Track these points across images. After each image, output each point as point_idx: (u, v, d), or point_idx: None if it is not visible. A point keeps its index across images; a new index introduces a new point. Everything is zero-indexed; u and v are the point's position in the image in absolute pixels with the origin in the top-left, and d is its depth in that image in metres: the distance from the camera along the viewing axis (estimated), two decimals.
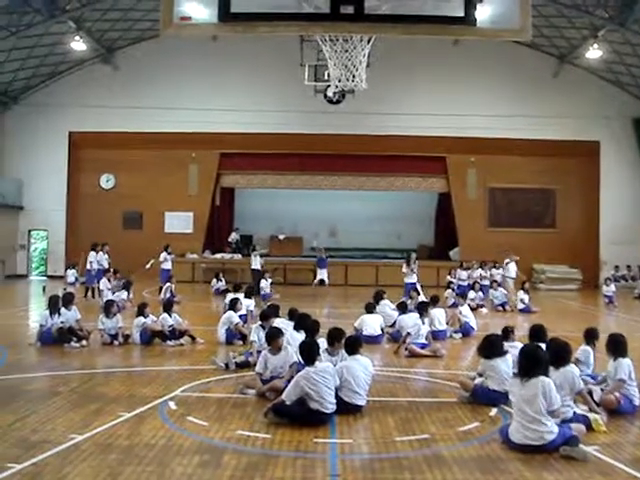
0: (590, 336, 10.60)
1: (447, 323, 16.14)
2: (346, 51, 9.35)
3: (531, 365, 7.68)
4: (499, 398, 9.23)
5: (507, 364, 9.52)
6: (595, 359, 10.57)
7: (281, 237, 35.74)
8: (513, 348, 9.95)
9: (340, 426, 8.48)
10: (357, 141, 33.05)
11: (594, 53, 30.58)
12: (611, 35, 29.16)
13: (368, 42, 9.14)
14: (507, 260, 24.67)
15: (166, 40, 32.97)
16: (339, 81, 10.63)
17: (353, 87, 10.55)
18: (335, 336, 10.05)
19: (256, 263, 26.65)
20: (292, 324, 12.09)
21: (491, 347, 9.77)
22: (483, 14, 5.96)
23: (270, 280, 25.15)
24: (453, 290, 22.88)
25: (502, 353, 9.71)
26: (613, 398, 9.07)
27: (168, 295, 21.65)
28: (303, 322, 11.65)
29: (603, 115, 33.85)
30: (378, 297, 17.18)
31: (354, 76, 9.67)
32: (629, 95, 34.78)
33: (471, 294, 22.67)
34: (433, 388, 11.02)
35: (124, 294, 20.42)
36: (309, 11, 6.11)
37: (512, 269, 24.47)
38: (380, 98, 31.63)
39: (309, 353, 8.83)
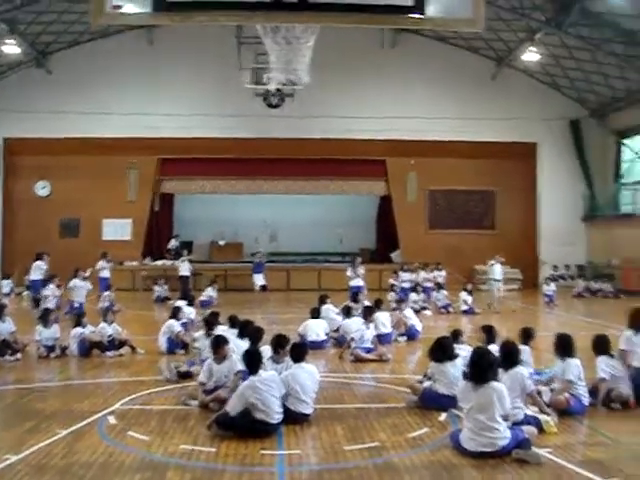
0: (526, 335, 10.58)
1: (392, 326, 16.01)
2: (289, 43, 9.10)
3: (483, 370, 7.55)
4: (448, 402, 9.08)
5: (456, 368, 9.39)
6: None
7: (221, 243, 35.33)
8: (461, 351, 9.86)
9: (287, 437, 8.24)
10: (298, 145, 32.83)
11: (531, 56, 30.88)
12: (548, 38, 29.50)
13: (311, 34, 8.91)
14: (492, 262, 24.50)
15: (102, 43, 32.40)
16: (283, 84, 10.39)
17: (294, 84, 10.30)
18: (280, 343, 9.80)
19: (184, 269, 26.34)
20: (235, 331, 11.80)
21: (442, 350, 9.65)
22: (434, 4, 5.77)
23: (215, 287, 24.75)
24: (396, 293, 22.84)
25: (453, 356, 9.59)
26: (563, 399, 9.03)
27: (107, 304, 21.09)
28: (246, 329, 11.37)
29: (541, 117, 34.27)
30: (321, 302, 16.98)
31: (296, 70, 9.41)
32: (566, 97, 35.32)
33: (414, 296, 22.62)
34: (380, 393, 10.85)
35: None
36: (250, 0, 5.84)
37: (497, 270, 24.27)
38: (320, 102, 31.51)
39: (253, 361, 8.56)
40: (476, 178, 34.39)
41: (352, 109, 32.86)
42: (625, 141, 34.02)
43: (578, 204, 35.15)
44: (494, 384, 7.45)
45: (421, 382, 9.98)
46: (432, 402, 9.37)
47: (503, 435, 7.29)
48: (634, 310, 10.36)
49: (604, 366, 9.54)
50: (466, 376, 7.90)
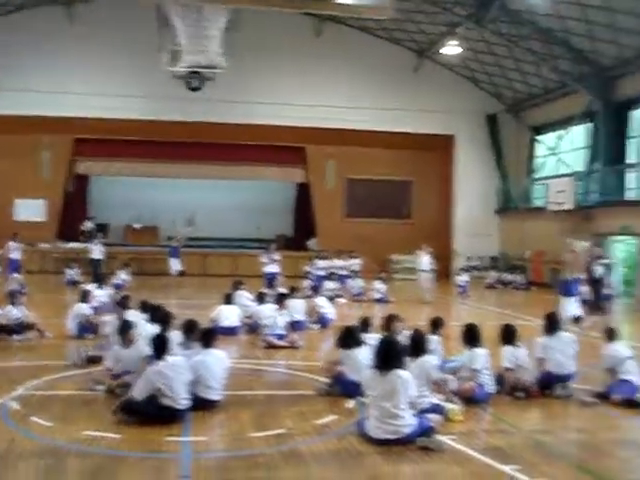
0: (436, 325, 10.74)
1: (305, 314, 16.04)
2: (198, 25, 8.98)
3: (389, 358, 7.61)
4: (357, 389, 9.14)
5: (364, 355, 9.45)
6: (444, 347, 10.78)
7: (137, 226, 34.80)
8: (370, 339, 9.92)
9: (194, 423, 8.15)
10: (217, 129, 32.52)
11: (451, 49, 31.28)
12: (468, 33, 29.91)
13: (221, 16, 8.80)
14: (419, 252, 24.36)
15: (18, 17, 31.34)
16: (200, 67, 10.24)
17: (213, 67, 10.16)
18: (189, 328, 9.71)
19: (96, 252, 26.15)
20: (146, 316, 11.62)
21: (349, 337, 9.71)
22: None
23: (129, 270, 24.28)
24: (312, 280, 22.88)
25: (360, 344, 9.66)
26: (468, 387, 9.20)
27: (14, 286, 20.48)
28: (156, 314, 11.21)
29: (459, 110, 34.80)
30: (235, 287, 16.90)
31: (207, 52, 9.29)
32: (484, 92, 35.96)
33: (328, 284, 22.72)
34: (290, 380, 10.87)
35: None
36: None
37: (424, 261, 24.16)
38: (241, 87, 31.31)
39: (160, 346, 8.44)
40: (394, 168, 34.77)
41: (273, 95, 32.72)
42: (539, 137, 34.84)
43: (492, 197, 35.88)
44: (400, 372, 7.52)
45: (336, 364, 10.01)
46: (343, 387, 9.43)
47: (408, 423, 7.37)
48: (548, 315, 10.57)
49: (509, 356, 9.78)
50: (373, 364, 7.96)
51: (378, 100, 33.86)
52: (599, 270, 21.15)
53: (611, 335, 10.24)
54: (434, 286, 24.06)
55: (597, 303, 20.54)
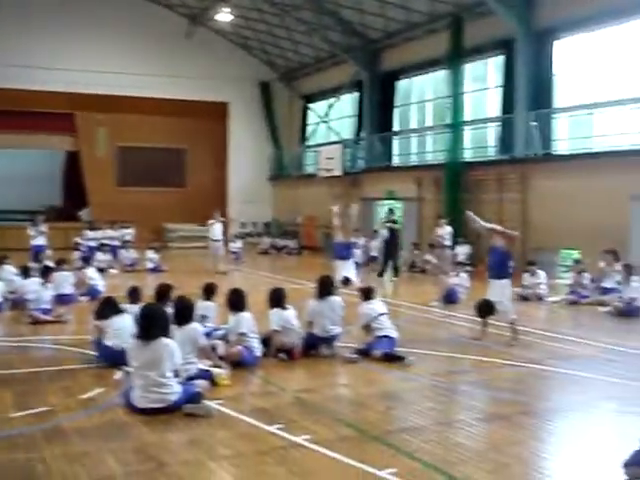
0: (209, 291, 10.80)
1: (74, 286, 15.53)
2: None
3: (151, 326, 7.54)
4: (123, 357, 9.01)
5: (125, 323, 9.33)
6: (218, 313, 10.85)
7: None
8: (133, 308, 9.84)
9: None
10: None
11: (224, 16, 31.21)
12: (241, 0, 30.01)
13: None
14: (211, 221, 23.17)
15: None
16: None
17: None
18: None
19: None
20: None
21: (106, 307, 9.61)
22: None
23: None
24: (82, 252, 22.17)
25: (118, 311, 9.54)
26: (235, 351, 9.33)
27: None
28: None
29: (233, 78, 34.90)
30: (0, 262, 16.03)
31: None
32: (257, 60, 36.25)
33: (100, 255, 22.14)
34: (57, 356, 10.46)
35: None
36: None
37: (217, 230, 23.08)
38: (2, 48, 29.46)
39: None
40: (168, 136, 34.39)
41: (37, 58, 31.01)
42: (311, 105, 35.70)
43: (266, 164, 36.46)
44: (164, 340, 7.47)
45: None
46: (108, 357, 9.28)
47: (173, 390, 7.35)
48: (320, 280, 10.81)
49: (276, 318, 9.99)
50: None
51: (151, 66, 33.18)
52: (384, 233, 21.85)
53: (367, 294, 10.78)
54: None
55: (394, 265, 21.27)
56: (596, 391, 8.64)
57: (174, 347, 7.49)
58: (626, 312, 14.44)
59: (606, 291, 15.98)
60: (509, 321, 11.42)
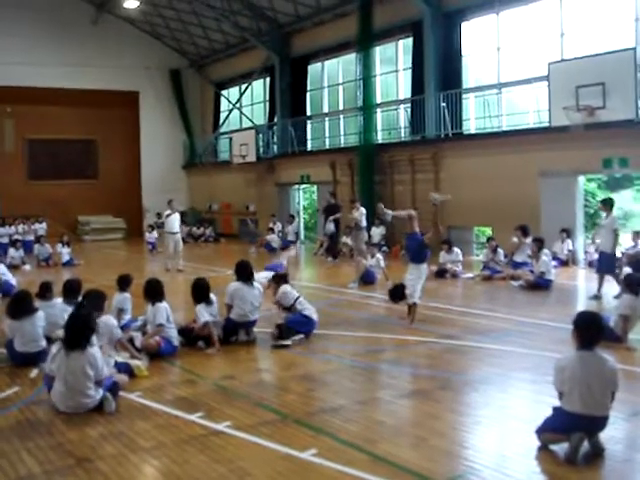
0: (123, 283, 10.61)
1: None
2: None
3: (78, 336, 7.25)
4: (35, 359, 8.83)
5: (36, 324, 9.12)
6: (133, 305, 10.70)
7: None
8: (50, 307, 9.64)
9: None
10: None
11: (131, 3, 30.58)
12: None
13: None
14: (167, 212, 20.83)
15: None
16: None
17: None
18: None
19: None
20: None
21: (18, 305, 9.29)
22: None
23: None
24: None
25: (32, 311, 9.26)
26: (153, 342, 9.24)
27: None
28: None
29: (142, 65, 34.35)
30: None
31: None
32: (167, 47, 35.75)
33: (12, 252, 21.58)
34: None
35: None
36: None
37: (174, 222, 20.67)
38: None
39: None
40: (78, 127, 33.74)
41: None
42: (223, 92, 35.45)
43: (179, 152, 36.07)
44: (89, 350, 7.18)
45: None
46: (17, 358, 9.10)
47: (95, 400, 7.07)
48: (239, 263, 10.66)
49: (204, 311, 9.78)
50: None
51: (58, 56, 32.31)
52: (331, 227, 22.34)
53: (282, 278, 10.86)
54: (125, 245, 23.56)
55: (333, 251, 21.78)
56: (511, 363, 8.88)
57: (96, 355, 7.25)
58: (537, 285, 14.89)
59: (517, 265, 16.45)
60: (411, 303, 11.42)
